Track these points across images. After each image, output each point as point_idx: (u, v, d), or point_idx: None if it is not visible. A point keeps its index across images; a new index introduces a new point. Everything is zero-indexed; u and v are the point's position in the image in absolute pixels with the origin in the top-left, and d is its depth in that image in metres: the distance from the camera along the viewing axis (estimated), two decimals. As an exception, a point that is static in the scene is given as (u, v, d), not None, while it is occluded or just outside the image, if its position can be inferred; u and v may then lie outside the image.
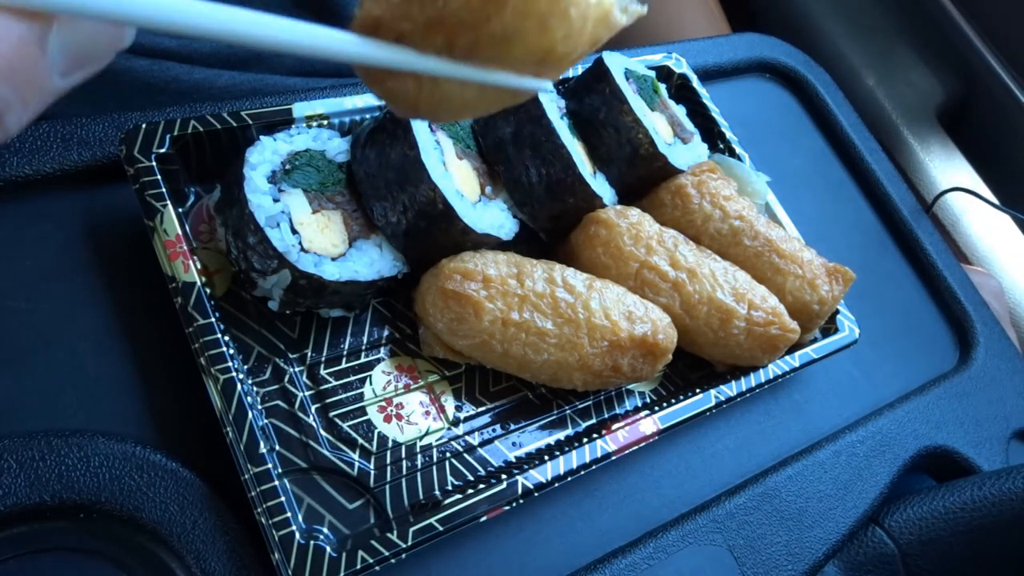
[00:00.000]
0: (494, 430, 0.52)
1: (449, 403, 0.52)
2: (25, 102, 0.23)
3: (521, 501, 0.47)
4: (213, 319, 0.45)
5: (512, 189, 0.57)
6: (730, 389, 0.57)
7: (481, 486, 0.47)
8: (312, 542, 0.42)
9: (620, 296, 0.53)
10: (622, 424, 0.53)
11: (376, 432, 0.49)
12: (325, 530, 0.44)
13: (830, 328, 0.65)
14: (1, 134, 0.23)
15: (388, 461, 0.48)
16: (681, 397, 0.56)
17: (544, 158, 0.56)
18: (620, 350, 0.52)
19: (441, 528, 0.44)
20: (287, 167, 0.50)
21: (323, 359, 0.50)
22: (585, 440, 0.51)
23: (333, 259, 0.48)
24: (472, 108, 0.30)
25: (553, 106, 0.58)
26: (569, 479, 0.50)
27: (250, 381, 0.47)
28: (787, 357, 0.61)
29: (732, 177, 0.67)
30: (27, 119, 0.24)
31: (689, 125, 0.69)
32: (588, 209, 0.59)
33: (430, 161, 0.50)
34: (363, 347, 0.52)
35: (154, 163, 0.48)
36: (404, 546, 0.43)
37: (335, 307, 0.51)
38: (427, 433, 0.50)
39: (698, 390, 0.57)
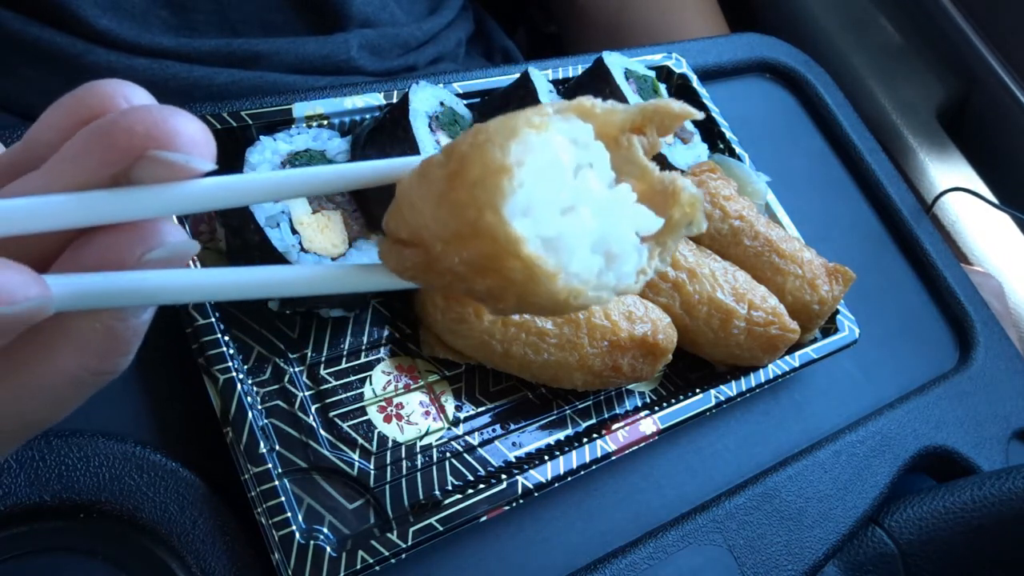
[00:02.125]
0: (494, 430, 0.52)
1: (449, 403, 0.52)
2: (128, 354, 0.28)
3: (521, 501, 0.47)
4: (213, 319, 0.45)
5: (512, 189, 0.57)
6: (730, 389, 0.57)
7: (481, 486, 0.47)
8: (312, 542, 0.42)
9: (620, 296, 0.53)
10: (622, 424, 0.53)
11: (376, 432, 0.49)
12: (325, 530, 0.44)
13: (830, 328, 0.65)
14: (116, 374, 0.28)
15: (388, 461, 0.48)
16: (681, 397, 0.56)
17: (544, 158, 0.56)
18: (620, 350, 0.52)
19: (441, 528, 0.44)
20: (287, 167, 0.50)
21: (323, 359, 0.50)
22: (585, 440, 0.51)
23: (333, 259, 0.48)
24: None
25: (553, 106, 0.58)
26: (569, 479, 0.50)
27: (250, 381, 0.47)
28: (787, 357, 0.61)
29: (732, 177, 0.66)
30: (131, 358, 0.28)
31: (689, 125, 0.69)
32: (588, 209, 0.59)
33: (430, 161, 0.50)
34: (363, 347, 0.52)
35: (154, 163, 0.48)
36: (404, 546, 0.43)
37: (335, 307, 0.51)
38: (427, 433, 0.50)
39: (698, 390, 0.57)
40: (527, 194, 0.25)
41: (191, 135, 0.25)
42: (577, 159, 0.27)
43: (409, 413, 0.51)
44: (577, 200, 0.26)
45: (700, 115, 0.29)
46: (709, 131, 0.71)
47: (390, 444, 0.49)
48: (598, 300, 0.26)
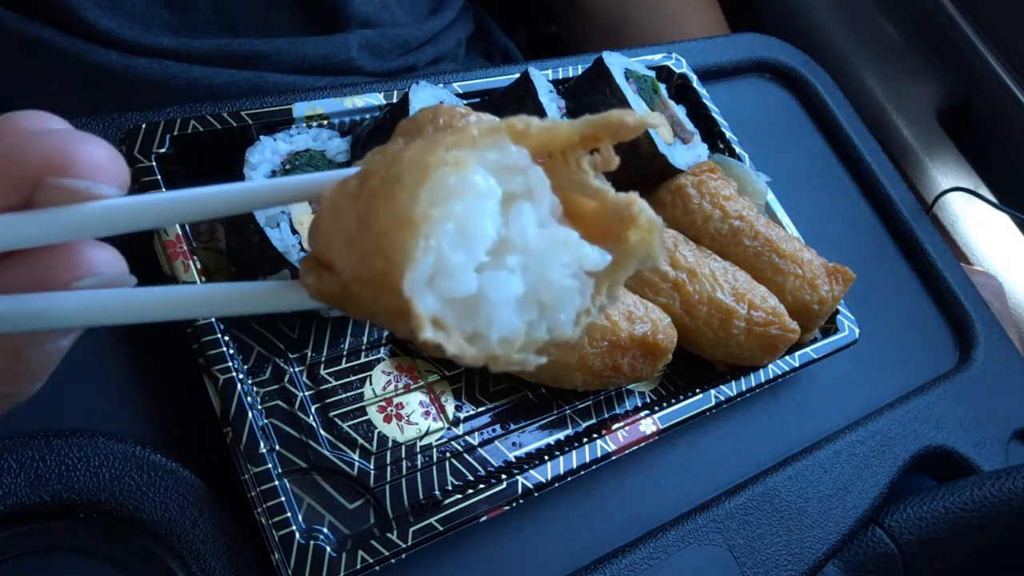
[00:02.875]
0: (494, 430, 0.52)
1: (449, 403, 0.52)
2: (38, 380, 0.27)
3: (521, 501, 0.47)
4: (213, 319, 0.45)
5: (512, 189, 0.57)
6: (730, 389, 0.57)
7: (481, 486, 0.47)
8: (312, 542, 0.42)
9: (620, 296, 0.53)
10: (622, 424, 0.53)
11: (376, 432, 0.49)
12: (325, 530, 0.44)
13: (830, 328, 0.65)
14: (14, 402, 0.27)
15: (388, 461, 0.48)
16: (681, 397, 0.56)
17: (544, 158, 0.56)
18: (620, 350, 0.52)
19: (441, 528, 0.44)
20: (287, 167, 0.50)
21: (323, 359, 0.50)
22: (585, 440, 0.51)
23: (333, 259, 0.48)
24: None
25: (553, 106, 0.58)
26: (569, 479, 0.50)
27: (250, 381, 0.47)
28: (787, 357, 0.61)
29: (732, 177, 0.66)
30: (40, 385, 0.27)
31: (689, 125, 0.69)
32: (588, 209, 0.59)
33: (430, 161, 0.50)
34: (363, 347, 0.52)
35: (154, 163, 0.48)
36: (404, 546, 0.43)
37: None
38: (427, 433, 0.50)
39: (698, 390, 0.56)
40: (438, 254, 0.22)
41: (94, 161, 0.24)
42: (509, 187, 0.24)
43: (409, 413, 0.51)
44: (505, 246, 0.23)
45: (658, 123, 0.26)
46: (709, 131, 0.71)
47: (390, 444, 0.49)
48: (523, 362, 0.24)
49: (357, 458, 0.47)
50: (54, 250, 0.25)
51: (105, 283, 0.26)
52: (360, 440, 0.48)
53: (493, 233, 0.23)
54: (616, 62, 0.63)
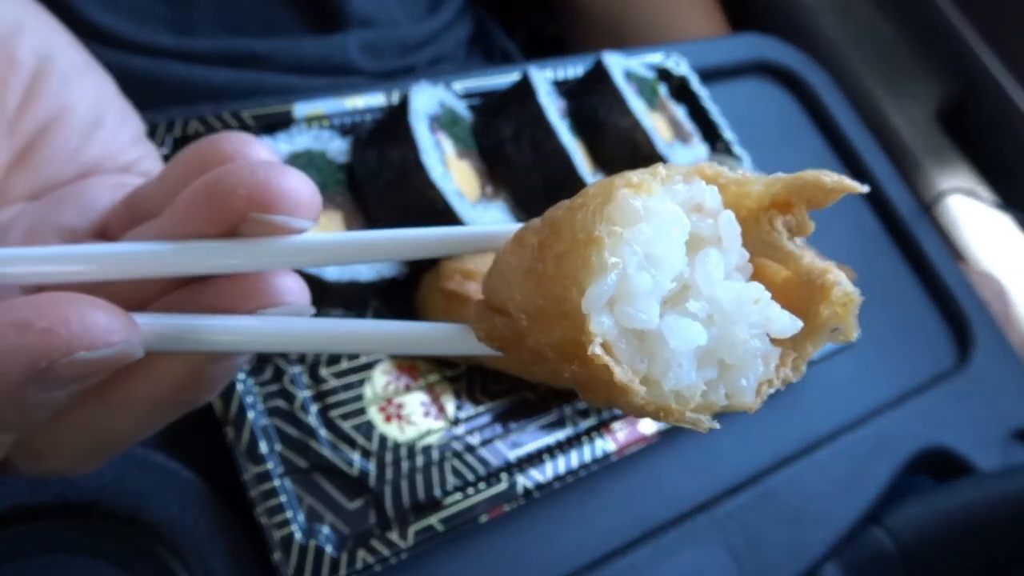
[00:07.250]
0: (494, 430, 0.52)
1: (449, 403, 0.52)
2: (212, 391, 0.28)
3: (521, 501, 0.48)
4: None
5: (512, 189, 0.57)
6: (730, 389, 0.57)
7: (481, 486, 0.47)
8: (312, 542, 0.42)
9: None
10: (622, 424, 0.53)
11: (376, 432, 0.49)
12: (325, 530, 0.44)
13: (830, 328, 0.65)
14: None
15: (388, 461, 0.48)
16: (681, 397, 0.56)
17: (544, 158, 0.56)
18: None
19: (441, 528, 0.44)
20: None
21: (323, 359, 0.50)
22: (585, 440, 0.51)
23: (333, 259, 0.48)
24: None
25: (553, 106, 0.58)
26: (569, 479, 0.50)
27: (250, 381, 0.47)
28: (787, 357, 0.61)
29: (732, 177, 0.66)
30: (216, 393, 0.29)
31: (689, 125, 0.69)
32: (588, 209, 0.59)
33: (430, 161, 0.50)
34: (363, 347, 0.52)
35: (154, 163, 0.48)
36: (404, 546, 0.43)
37: (335, 307, 0.51)
38: (427, 433, 0.50)
39: (698, 390, 0.56)
40: (622, 274, 0.20)
41: (294, 197, 0.25)
42: (698, 230, 0.22)
43: (409, 413, 0.51)
44: (690, 289, 0.21)
45: (864, 188, 0.23)
46: (709, 131, 0.71)
47: (390, 444, 0.49)
48: (695, 423, 0.21)
49: (357, 458, 0.47)
50: (247, 277, 0.26)
51: (289, 312, 0.27)
52: (360, 440, 0.48)
53: (681, 264, 0.21)
54: (616, 63, 0.63)
